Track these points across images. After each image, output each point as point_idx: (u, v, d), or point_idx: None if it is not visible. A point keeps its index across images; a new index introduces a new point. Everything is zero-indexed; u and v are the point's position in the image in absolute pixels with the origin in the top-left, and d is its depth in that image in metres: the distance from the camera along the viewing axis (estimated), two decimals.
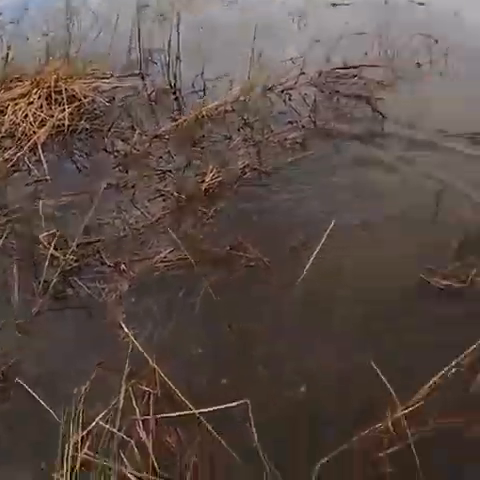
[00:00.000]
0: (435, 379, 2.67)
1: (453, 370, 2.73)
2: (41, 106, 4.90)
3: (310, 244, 3.45)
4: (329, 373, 2.86)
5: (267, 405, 2.72)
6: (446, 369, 2.71)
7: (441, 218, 3.68)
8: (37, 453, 2.73)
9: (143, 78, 5.43)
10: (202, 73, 5.24)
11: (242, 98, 4.95)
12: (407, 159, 4.25)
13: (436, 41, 6.06)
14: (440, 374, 2.68)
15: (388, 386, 2.61)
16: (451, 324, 3.01)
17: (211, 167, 4.09)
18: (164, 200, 3.99)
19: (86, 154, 4.56)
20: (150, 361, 2.87)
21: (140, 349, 2.86)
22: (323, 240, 3.37)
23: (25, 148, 4.57)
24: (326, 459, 2.45)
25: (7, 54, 5.41)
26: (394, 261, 3.39)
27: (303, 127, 4.64)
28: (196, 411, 2.63)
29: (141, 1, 6.53)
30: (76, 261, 3.58)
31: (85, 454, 2.60)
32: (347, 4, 7.44)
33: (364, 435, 2.54)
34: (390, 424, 2.55)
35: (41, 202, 3.92)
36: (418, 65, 5.62)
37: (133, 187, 4.10)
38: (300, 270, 3.30)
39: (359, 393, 2.74)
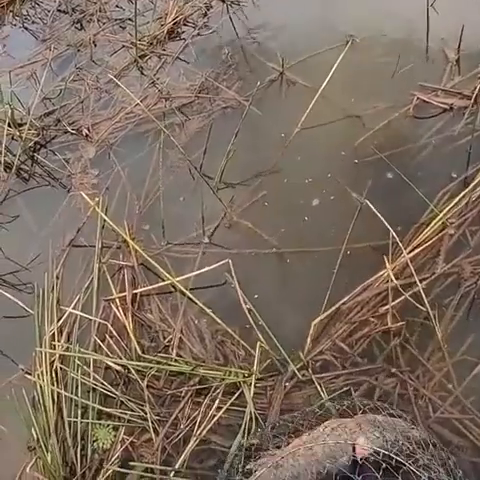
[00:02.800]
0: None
1: None
2: None
3: (289, 65, 2.80)
4: None
5: None
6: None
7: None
8: (11, 349, 2.27)
9: None
10: None
11: None
12: None
13: None
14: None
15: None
16: None
17: (172, 4, 3.29)
18: (126, 50, 3.26)
19: (40, 19, 3.76)
20: (120, 232, 2.30)
21: (106, 220, 2.29)
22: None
23: None
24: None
25: None
26: None
27: None
28: (174, 280, 2.08)
29: None
30: (37, 135, 2.96)
31: (61, 346, 2.12)
32: None
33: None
34: None
35: None
36: None
37: (93, 43, 3.36)
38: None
39: None
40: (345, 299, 2.01)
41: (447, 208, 2.13)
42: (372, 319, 1.98)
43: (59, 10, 3.82)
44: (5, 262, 2.56)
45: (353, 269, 2.09)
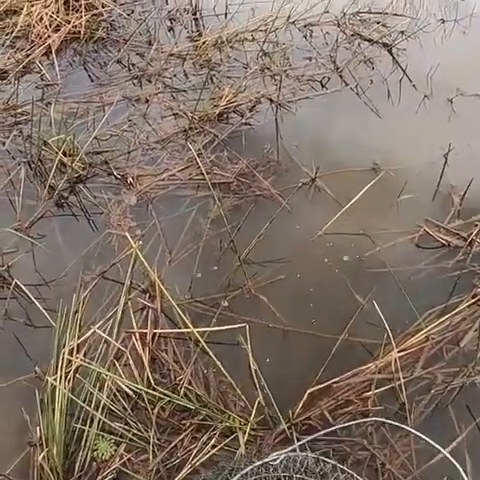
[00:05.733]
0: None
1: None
2: (58, 10, 4.64)
3: (321, 174, 3.40)
4: None
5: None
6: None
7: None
8: (32, 357, 2.68)
9: None
10: None
11: (263, 28, 4.72)
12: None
13: None
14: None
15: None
16: None
17: (227, 91, 3.92)
18: (176, 119, 3.84)
19: (100, 64, 4.37)
20: (152, 275, 2.78)
21: (144, 262, 2.76)
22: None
23: (38, 51, 4.37)
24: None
25: None
26: None
27: (322, 65, 4.44)
28: (194, 330, 2.55)
29: None
30: (83, 169, 3.48)
31: (80, 360, 2.55)
32: None
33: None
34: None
35: (52, 106, 3.75)
36: (443, 21, 5.37)
37: (146, 102, 3.94)
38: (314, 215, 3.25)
39: None
40: (336, 379, 2.47)
41: (431, 325, 2.64)
42: (356, 400, 2.44)
43: (119, 61, 4.47)
44: (34, 275, 3.05)
45: (347, 355, 2.57)
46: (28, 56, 4.35)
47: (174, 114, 3.87)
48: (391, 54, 4.68)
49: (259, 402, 2.43)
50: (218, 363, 2.52)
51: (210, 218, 3.16)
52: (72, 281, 2.94)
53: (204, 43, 4.47)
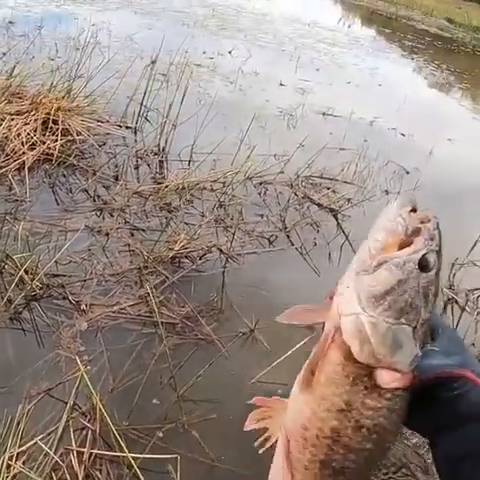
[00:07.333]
0: None
1: None
2: (36, 130, 5.42)
3: (259, 326, 4.08)
4: None
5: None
6: None
7: None
8: None
9: (135, 133, 6.07)
10: (193, 145, 5.93)
11: (223, 180, 5.64)
12: None
13: (407, 172, 7.05)
14: None
15: None
16: None
17: (182, 237, 4.70)
18: (132, 256, 4.55)
19: (67, 190, 5.06)
20: (95, 399, 3.38)
21: (89, 386, 3.37)
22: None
23: (12, 165, 5.10)
24: None
25: (14, 67, 5.98)
26: None
27: (272, 223, 5.34)
28: (128, 454, 3.14)
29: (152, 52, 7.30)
30: (41, 288, 4.08)
31: (20, 467, 3.08)
32: (336, 116, 8.42)
33: None
34: None
35: (21, 224, 4.42)
36: (387, 192, 6.46)
37: (107, 235, 4.63)
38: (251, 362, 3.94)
39: None
40: None
41: None
42: None
43: (86, 190, 5.24)
44: None
45: None
46: (1, 168, 5.07)
47: (131, 250, 4.51)
48: (336, 220, 5.65)
49: None
50: None
51: (154, 354, 3.75)
52: (18, 392, 3.46)
53: (167, 187, 5.31)
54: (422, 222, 1.07)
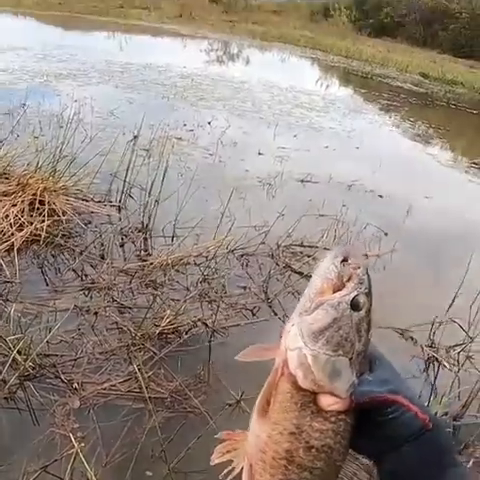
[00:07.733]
0: None
1: None
2: (23, 210, 5.78)
3: (245, 397, 4.32)
4: None
5: None
6: None
7: None
8: None
9: (120, 210, 6.46)
10: (175, 220, 6.32)
11: (205, 254, 6.01)
12: None
13: (386, 234, 7.48)
14: None
15: None
16: None
17: (168, 313, 5.03)
18: (120, 333, 4.86)
19: (55, 270, 5.39)
20: (90, 473, 3.64)
21: (84, 462, 3.65)
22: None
23: (1, 246, 5.43)
24: None
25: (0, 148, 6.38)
26: None
27: (255, 295, 5.69)
28: None
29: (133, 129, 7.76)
30: (33, 368, 4.36)
31: None
32: (314, 182, 8.90)
33: None
34: None
35: (13, 306, 4.74)
36: (366, 256, 6.82)
37: (95, 314, 4.95)
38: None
39: None
40: None
41: None
42: None
43: (74, 270, 5.59)
44: None
45: None
46: None
47: (119, 328, 4.80)
48: None
49: None
50: None
51: (145, 428, 4.04)
52: (16, 470, 3.65)
53: (151, 264, 5.67)
54: (353, 269, 1.28)
